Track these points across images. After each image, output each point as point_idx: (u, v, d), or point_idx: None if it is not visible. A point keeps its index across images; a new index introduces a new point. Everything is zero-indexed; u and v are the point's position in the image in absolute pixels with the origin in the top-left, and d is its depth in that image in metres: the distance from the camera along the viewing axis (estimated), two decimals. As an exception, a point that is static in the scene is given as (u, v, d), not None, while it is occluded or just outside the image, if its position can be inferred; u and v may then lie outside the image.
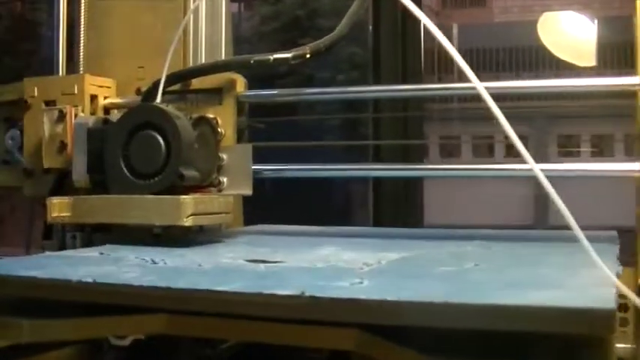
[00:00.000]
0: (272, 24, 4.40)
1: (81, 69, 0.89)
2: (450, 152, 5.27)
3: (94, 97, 0.85)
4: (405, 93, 0.89)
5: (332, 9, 3.93)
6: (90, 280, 0.50)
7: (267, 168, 0.81)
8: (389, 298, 0.41)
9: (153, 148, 0.71)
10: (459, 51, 0.53)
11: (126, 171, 0.73)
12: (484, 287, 0.47)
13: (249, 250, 0.67)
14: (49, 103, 0.84)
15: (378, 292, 0.44)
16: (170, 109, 0.73)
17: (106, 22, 0.90)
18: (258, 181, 0.79)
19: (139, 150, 0.72)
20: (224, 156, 0.78)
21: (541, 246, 0.73)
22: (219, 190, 0.77)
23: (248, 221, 0.96)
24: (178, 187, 0.71)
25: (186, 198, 0.69)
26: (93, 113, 0.84)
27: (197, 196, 0.71)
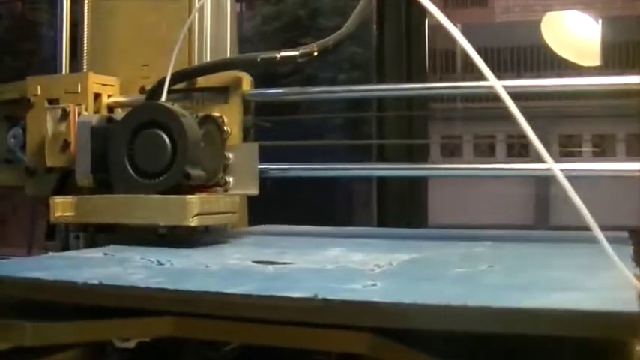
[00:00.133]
0: (273, 24, 4.39)
1: (84, 67, 0.88)
2: (451, 152, 5.26)
3: (97, 96, 0.84)
4: (415, 92, 0.88)
5: (333, 9, 3.93)
6: (96, 281, 0.48)
7: (273, 167, 0.80)
8: (405, 301, 0.40)
9: (158, 146, 0.70)
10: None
11: (130, 170, 0.72)
12: (501, 289, 0.45)
13: (256, 251, 0.66)
14: (52, 102, 0.83)
15: (393, 295, 0.43)
16: (176, 107, 0.72)
17: (110, 20, 0.89)
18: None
19: (144, 149, 0.71)
20: (230, 155, 0.77)
21: (551, 247, 0.72)
22: (225, 190, 0.76)
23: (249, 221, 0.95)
24: (184, 186, 0.70)
25: (192, 198, 0.68)
26: (97, 112, 0.83)
27: (203, 195, 0.70)
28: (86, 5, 0.90)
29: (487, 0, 5.96)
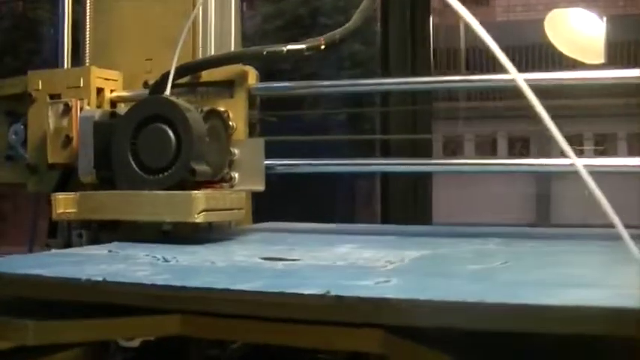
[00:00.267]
0: (274, 22, 4.38)
1: (87, 61, 0.87)
2: (453, 151, 5.25)
3: (100, 91, 0.82)
4: (428, 85, 0.86)
5: (333, 8, 3.92)
6: (100, 278, 0.47)
7: (280, 163, 0.79)
8: (421, 298, 0.39)
9: (163, 141, 0.69)
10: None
11: (134, 165, 0.70)
12: (519, 286, 0.44)
13: (264, 248, 0.65)
14: (54, 97, 0.82)
15: (408, 292, 0.41)
16: (180, 101, 0.71)
17: (113, 13, 0.88)
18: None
19: (148, 144, 0.70)
20: (235, 150, 0.76)
21: (562, 244, 0.71)
22: (231, 186, 0.75)
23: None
24: (189, 182, 0.68)
25: (197, 193, 0.66)
26: (99, 107, 0.82)
27: (209, 191, 0.69)
28: (88, -2, 0.88)
29: (488, -1, 5.95)
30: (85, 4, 0.88)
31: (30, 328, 0.47)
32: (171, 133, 0.69)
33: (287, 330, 0.43)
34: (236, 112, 0.77)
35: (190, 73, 0.78)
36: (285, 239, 0.75)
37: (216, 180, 0.73)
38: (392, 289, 0.43)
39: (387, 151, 1.70)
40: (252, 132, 0.79)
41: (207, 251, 0.63)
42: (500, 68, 0.77)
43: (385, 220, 1.65)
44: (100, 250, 0.64)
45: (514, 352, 0.41)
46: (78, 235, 0.79)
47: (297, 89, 0.83)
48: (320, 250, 0.63)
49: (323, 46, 0.73)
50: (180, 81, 0.77)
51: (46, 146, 0.80)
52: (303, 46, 0.73)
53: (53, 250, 0.76)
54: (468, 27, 0.49)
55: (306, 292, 0.41)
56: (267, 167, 0.76)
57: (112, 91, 0.83)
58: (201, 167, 0.69)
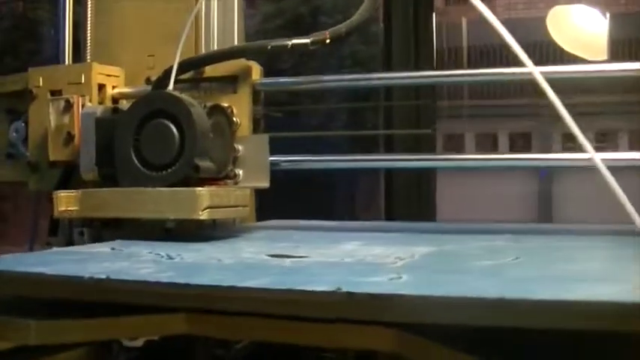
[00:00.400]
0: (275, 21, 4.37)
1: (88, 57, 0.85)
2: (454, 148, 5.24)
3: (101, 87, 0.81)
4: (437, 79, 0.85)
5: (333, 7, 3.91)
6: (103, 276, 0.46)
7: (284, 159, 0.77)
8: (436, 294, 0.38)
9: (166, 137, 0.67)
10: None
11: (137, 162, 0.69)
12: (535, 282, 0.43)
13: (270, 245, 0.64)
14: (55, 93, 0.81)
15: (422, 288, 0.40)
16: (183, 96, 0.70)
17: (114, 8, 0.87)
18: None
19: (151, 140, 0.68)
20: (239, 147, 0.75)
21: (571, 239, 0.70)
22: (235, 183, 0.74)
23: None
24: (193, 179, 0.67)
25: (201, 190, 0.65)
26: (101, 103, 0.80)
27: (213, 188, 0.67)
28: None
29: (490, -3, 5.95)
30: (86, 4, 0.87)
31: (32, 328, 0.46)
32: (174, 129, 0.68)
33: (296, 328, 0.42)
34: (240, 108, 0.76)
35: (193, 68, 0.77)
36: (290, 236, 0.74)
37: (220, 177, 0.72)
38: (404, 285, 0.42)
39: (390, 147, 1.69)
40: (256, 128, 0.77)
41: (212, 248, 0.61)
42: (500, 66, 0.75)
43: (389, 217, 1.64)
44: (102, 248, 0.63)
45: (527, 348, 0.40)
46: (79, 233, 0.78)
47: (301, 84, 0.82)
48: (327, 247, 0.61)
49: (328, 40, 0.72)
50: (184, 76, 0.76)
51: (47, 144, 0.79)
52: (307, 40, 0.72)
53: (55, 248, 0.74)
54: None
55: (316, 288, 0.40)
56: (272, 163, 0.75)
57: (113, 87, 0.82)
58: (205, 163, 0.68)
